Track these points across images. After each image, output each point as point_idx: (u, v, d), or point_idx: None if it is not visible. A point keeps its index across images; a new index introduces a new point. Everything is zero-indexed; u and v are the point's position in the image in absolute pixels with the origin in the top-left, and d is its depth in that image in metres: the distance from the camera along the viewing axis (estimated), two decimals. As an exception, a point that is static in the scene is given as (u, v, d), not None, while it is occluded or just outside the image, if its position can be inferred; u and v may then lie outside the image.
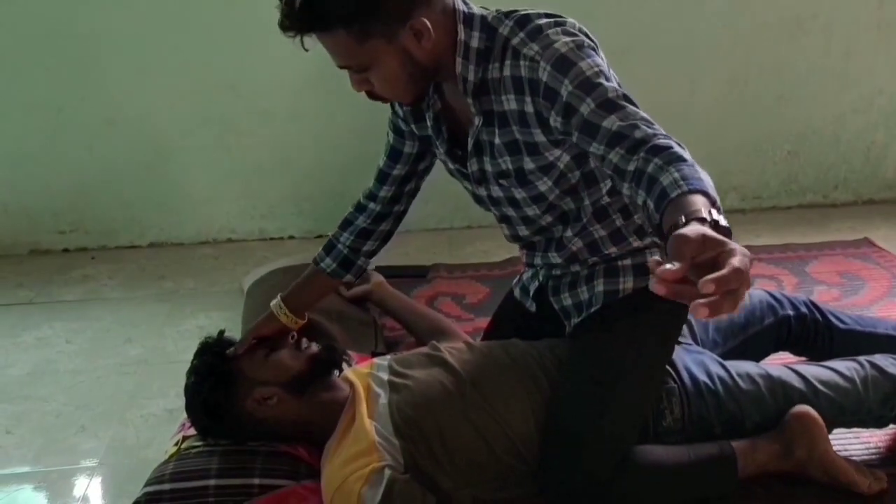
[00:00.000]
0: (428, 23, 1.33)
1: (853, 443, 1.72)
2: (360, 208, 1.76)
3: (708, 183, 1.05)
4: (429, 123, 1.58)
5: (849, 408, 1.59)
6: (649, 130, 1.21)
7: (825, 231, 2.96)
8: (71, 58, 2.79)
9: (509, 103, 1.41)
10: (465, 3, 1.42)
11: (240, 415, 1.57)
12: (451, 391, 1.55)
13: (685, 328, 1.74)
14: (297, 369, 1.59)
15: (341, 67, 1.38)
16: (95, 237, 3.04)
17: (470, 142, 1.51)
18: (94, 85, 2.84)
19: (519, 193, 1.52)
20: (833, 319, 1.84)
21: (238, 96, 2.90)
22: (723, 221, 0.93)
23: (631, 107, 1.27)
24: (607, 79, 1.31)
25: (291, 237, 3.12)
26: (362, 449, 1.45)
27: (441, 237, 3.01)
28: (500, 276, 2.63)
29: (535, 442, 1.52)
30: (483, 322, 2.10)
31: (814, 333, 1.83)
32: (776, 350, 1.87)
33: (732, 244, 0.86)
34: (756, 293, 1.88)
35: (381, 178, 1.72)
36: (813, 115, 3.11)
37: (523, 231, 1.63)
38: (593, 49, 1.36)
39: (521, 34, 1.36)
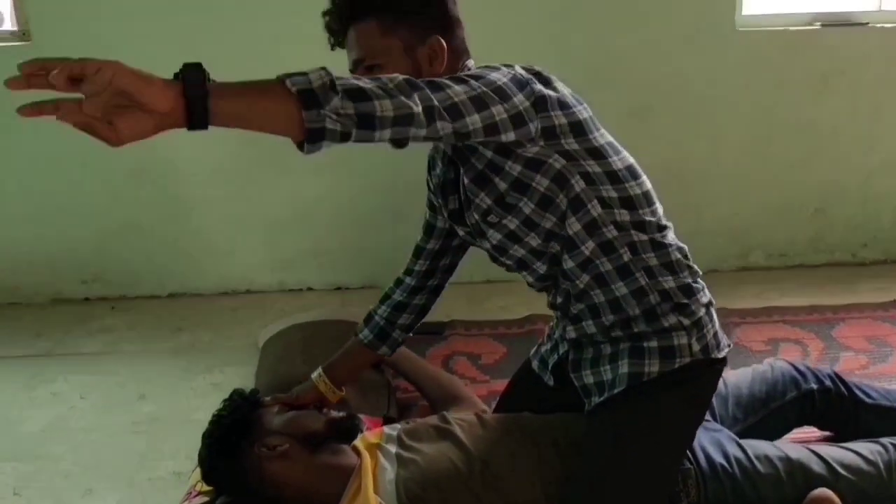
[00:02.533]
0: (445, 48, 1.45)
1: (878, 529, 1.65)
2: (397, 283, 1.83)
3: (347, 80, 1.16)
4: (435, 182, 1.64)
5: (871, 493, 1.55)
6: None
7: (853, 291, 2.89)
8: (96, 111, 2.83)
9: None
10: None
11: (248, 460, 1.56)
12: (459, 468, 1.52)
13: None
14: (314, 429, 1.62)
15: (354, 63, 1.47)
16: (116, 287, 3.05)
17: (462, 193, 1.53)
18: (118, 138, 2.86)
19: (511, 223, 1.48)
20: (858, 393, 1.79)
21: (259, 150, 2.90)
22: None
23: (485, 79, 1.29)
24: (504, 75, 1.33)
25: (310, 289, 3.10)
26: (366, 527, 1.42)
27: (459, 292, 2.93)
28: (518, 334, 2.59)
29: (545, 523, 1.48)
30: (499, 385, 2.06)
31: (838, 408, 1.78)
32: (799, 425, 1.81)
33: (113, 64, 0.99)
34: (779, 365, 1.83)
35: (417, 252, 1.79)
36: (840, 174, 3.06)
37: (542, 269, 1.55)
38: (542, 79, 1.40)
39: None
